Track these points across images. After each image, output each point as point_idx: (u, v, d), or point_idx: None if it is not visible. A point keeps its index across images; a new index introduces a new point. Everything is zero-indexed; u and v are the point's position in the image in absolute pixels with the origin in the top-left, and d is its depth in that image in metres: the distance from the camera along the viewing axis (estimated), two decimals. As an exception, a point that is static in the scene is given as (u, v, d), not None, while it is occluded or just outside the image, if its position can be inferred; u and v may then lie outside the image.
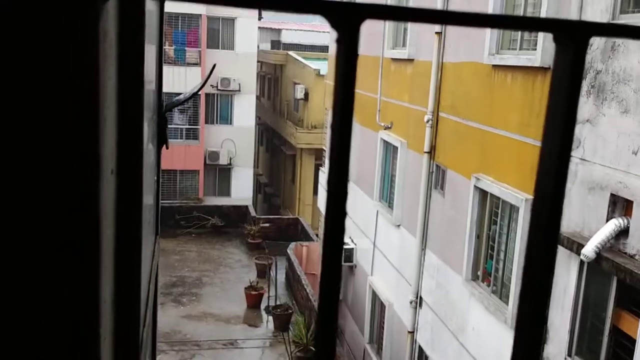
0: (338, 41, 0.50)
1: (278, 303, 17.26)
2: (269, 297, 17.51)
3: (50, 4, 0.48)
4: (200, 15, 24.81)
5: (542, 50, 7.27)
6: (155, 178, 1.81)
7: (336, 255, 0.49)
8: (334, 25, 0.51)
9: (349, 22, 0.51)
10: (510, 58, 8.07)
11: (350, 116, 0.52)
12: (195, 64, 24.98)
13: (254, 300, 17.68)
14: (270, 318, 16.88)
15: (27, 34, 0.48)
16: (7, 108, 0.46)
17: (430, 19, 0.54)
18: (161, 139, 1.88)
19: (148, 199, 1.43)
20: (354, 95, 0.52)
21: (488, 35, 8.52)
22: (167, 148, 2.01)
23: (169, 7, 23.33)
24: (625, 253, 5.91)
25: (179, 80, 24.10)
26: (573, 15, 6.68)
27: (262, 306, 17.72)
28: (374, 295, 13.12)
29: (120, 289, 0.82)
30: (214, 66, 3.78)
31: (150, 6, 1.32)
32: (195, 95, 3.92)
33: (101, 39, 0.51)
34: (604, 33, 0.58)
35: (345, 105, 0.53)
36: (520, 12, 8.07)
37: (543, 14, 7.25)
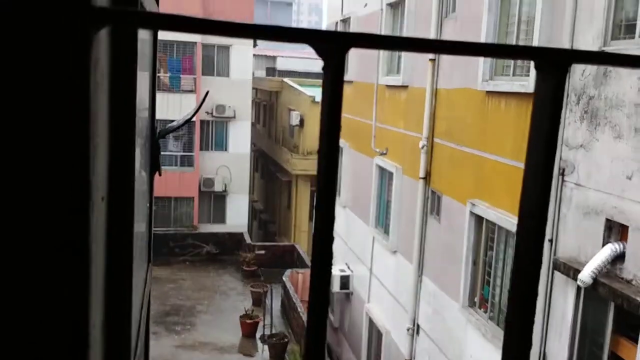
0: (324, 69, 0.51)
1: (274, 332, 17.07)
2: (264, 325, 17.33)
3: (40, 32, 0.49)
4: (196, 42, 25.03)
5: (535, 76, 7.35)
6: (148, 205, 1.81)
7: (324, 277, 0.49)
8: (320, 53, 0.52)
9: (334, 50, 0.52)
10: (504, 84, 8.15)
11: (336, 142, 0.52)
12: (191, 91, 25.12)
13: (249, 329, 17.49)
14: (266, 347, 16.67)
15: (16, 62, 0.48)
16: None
17: (413, 47, 0.55)
18: (154, 166, 1.88)
19: (140, 227, 1.43)
20: (340, 122, 0.52)
21: (481, 61, 8.62)
22: (159, 175, 2.01)
23: (164, 35, 23.56)
24: (622, 278, 5.90)
25: (174, 107, 24.21)
26: (565, 42, 6.77)
27: (258, 335, 17.52)
28: (371, 323, 13.01)
29: (111, 318, 0.81)
30: (206, 93, 3.80)
31: (144, 34, 1.33)
32: (188, 122, 3.93)
33: (92, 68, 0.51)
34: (584, 60, 0.58)
35: (331, 132, 0.53)
36: (512, 39, 8.19)
37: (535, 41, 7.35)
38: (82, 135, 0.49)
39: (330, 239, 0.52)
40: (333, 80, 0.52)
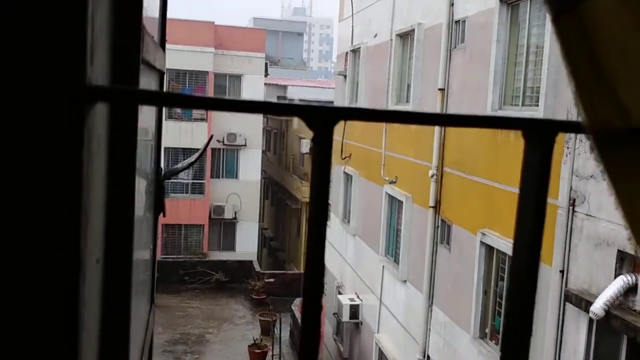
0: (314, 139, 0.53)
1: (283, 361, 16.89)
2: (272, 355, 17.16)
3: (34, 108, 0.50)
4: (207, 72, 25.34)
5: (544, 106, 7.36)
6: (152, 246, 1.82)
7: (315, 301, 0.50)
8: (310, 125, 0.54)
9: (323, 123, 0.53)
10: (513, 114, 8.17)
11: (325, 210, 0.53)
12: (202, 120, 25.35)
13: (257, 358, 17.33)
14: (275, 376, 16.50)
15: (7, 135, 0.50)
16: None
17: (399, 119, 0.56)
18: (158, 208, 1.90)
19: (142, 270, 1.44)
20: (329, 189, 0.54)
21: (490, 91, 8.66)
22: (164, 216, 2.03)
23: (177, 64, 23.90)
24: (635, 310, 5.81)
25: (186, 135, 24.41)
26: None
27: (267, 364, 17.35)
28: (381, 354, 12.84)
29: None
30: (211, 137, 3.88)
31: (147, 83, 1.36)
32: (192, 165, 3.98)
33: (86, 138, 0.53)
34: (570, 130, 0.59)
35: (320, 200, 0.54)
36: (521, 69, 8.22)
37: (544, 72, 7.36)
38: (72, 200, 0.50)
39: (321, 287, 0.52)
40: (322, 150, 0.54)
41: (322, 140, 0.54)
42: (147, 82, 1.32)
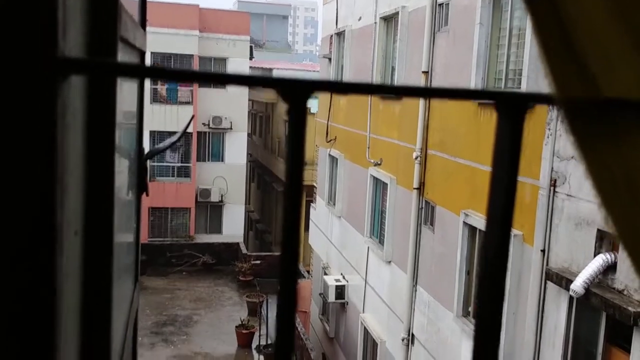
0: (289, 111, 0.55)
1: (269, 342, 17.02)
2: (260, 335, 17.28)
3: (6, 79, 0.51)
4: (193, 55, 25.11)
5: (527, 87, 7.41)
6: (135, 225, 1.82)
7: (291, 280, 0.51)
8: (284, 98, 0.55)
9: (297, 95, 0.55)
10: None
11: (300, 182, 0.55)
12: (187, 103, 25.17)
13: (245, 339, 17.44)
14: (262, 357, 16.62)
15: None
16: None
17: (373, 91, 0.57)
18: (141, 187, 1.90)
19: (125, 249, 1.44)
20: (303, 161, 0.55)
21: (474, 72, 8.68)
22: (147, 195, 2.03)
23: (162, 48, 23.63)
24: (614, 288, 5.93)
25: (171, 118, 24.24)
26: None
27: (254, 345, 17.47)
28: (366, 333, 12.99)
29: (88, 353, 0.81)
30: (192, 117, 3.86)
31: (129, 60, 1.35)
32: (174, 145, 3.97)
33: (60, 110, 0.53)
34: (540, 101, 0.61)
35: (294, 173, 0.56)
36: (504, 51, 8.25)
37: (526, 54, 7.40)
38: (46, 174, 0.51)
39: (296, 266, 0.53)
40: (297, 121, 0.55)
41: (297, 111, 0.55)
42: (126, 60, 1.31)
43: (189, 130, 24.62)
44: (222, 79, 0.54)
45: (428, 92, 0.60)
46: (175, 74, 0.53)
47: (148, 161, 2.10)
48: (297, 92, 0.54)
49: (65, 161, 0.55)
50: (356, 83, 0.56)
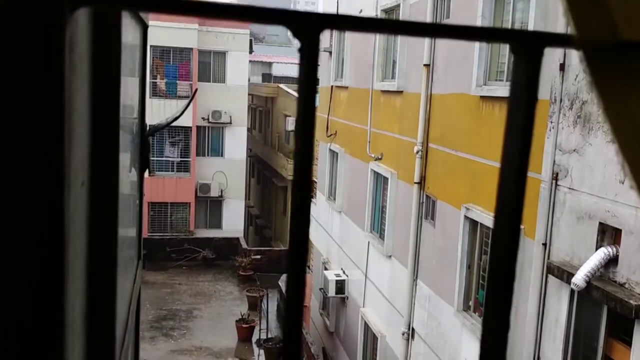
0: (300, 49, 0.52)
1: (269, 336, 17.04)
2: (260, 330, 17.30)
3: (12, 13, 0.49)
4: (192, 49, 25.07)
5: (512, 61, 7.36)
6: (138, 202, 1.81)
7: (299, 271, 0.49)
8: (295, 34, 0.53)
9: (308, 31, 0.53)
10: (498, 89, 8.18)
11: (312, 127, 0.53)
12: (187, 97, 25.13)
13: (245, 333, 17.45)
14: (262, 351, 16.64)
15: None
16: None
17: (386, 29, 0.56)
18: (144, 164, 1.88)
19: (128, 220, 1.43)
20: (315, 103, 0.53)
21: (475, 67, 8.65)
22: (150, 174, 2.02)
23: (161, 41, 23.59)
24: (615, 281, 5.91)
25: (171, 112, 24.17)
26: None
27: (254, 339, 17.48)
28: (366, 327, 12.99)
29: (93, 314, 0.80)
30: (195, 91, 3.83)
31: (131, 35, 1.33)
32: (176, 120, 3.94)
33: (67, 49, 0.51)
34: (559, 43, 0.59)
35: (307, 116, 0.54)
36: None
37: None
38: (54, 115, 0.49)
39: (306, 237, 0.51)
40: (308, 59, 0.53)
41: (308, 48, 0.53)
42: (128, 20, 1.29)
43: (189, 124, 24.61)
44: (230, 13, 0.52)
45: (444, 31, 0.58)
46: (183, 5, 0.51)
47: (150, 138, 2.08)
48: (308, 27, 0.52)
49: (72, 100, 0.53)
50: (370, 19, 0.54)
